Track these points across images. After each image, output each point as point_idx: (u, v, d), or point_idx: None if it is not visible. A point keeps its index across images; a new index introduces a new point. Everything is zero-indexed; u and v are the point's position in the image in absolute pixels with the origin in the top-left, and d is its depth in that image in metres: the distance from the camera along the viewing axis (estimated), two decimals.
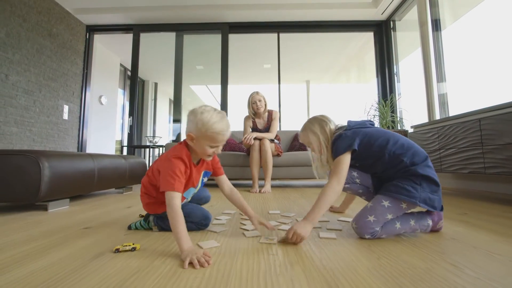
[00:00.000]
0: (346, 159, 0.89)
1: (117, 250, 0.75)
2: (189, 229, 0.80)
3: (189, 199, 0.98)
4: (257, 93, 2.48)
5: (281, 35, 3.88)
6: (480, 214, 1.26)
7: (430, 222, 0.89)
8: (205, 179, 0.99)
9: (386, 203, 0.85)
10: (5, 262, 0.68)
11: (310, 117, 1.07)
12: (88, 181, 1.58)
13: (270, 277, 0.59)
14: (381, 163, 0.90)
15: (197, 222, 0.94)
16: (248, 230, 0.97)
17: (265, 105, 2.49)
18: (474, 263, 0.66)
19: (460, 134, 1.79)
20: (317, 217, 0.84)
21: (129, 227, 1.01)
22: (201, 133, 0.81)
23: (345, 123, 1.00)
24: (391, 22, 3.67)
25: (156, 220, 0.96)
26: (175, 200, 0.76)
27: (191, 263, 0.65)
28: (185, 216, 0.76)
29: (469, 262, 0.67)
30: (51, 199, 1.37)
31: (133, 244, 0.78)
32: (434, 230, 0.93)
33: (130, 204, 1.63)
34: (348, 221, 1.11)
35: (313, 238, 0.89)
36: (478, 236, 0.90)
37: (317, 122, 1.01)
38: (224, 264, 0.66)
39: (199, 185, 0.97)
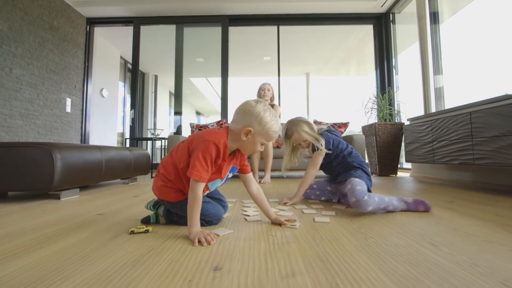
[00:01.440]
0: (321, 156, 1.29)
1: (132, 232, 0.83)
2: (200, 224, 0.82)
3: (212, 190, 0.94)
4: (268, 83, 2.66)
5: (281, 27, 3.89)
6: (466, 202, 1.35)
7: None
8: (230, 175, 0.95)
9: (357, 179, 1.16)
10: (33, 243, 0.76)
11: (294, 118, 1.35)
12: (97, 171, 1.65)
13: (269, 252, 0.68)
14: (337, 160, 1.31)
15: (209, 221, 0.93)
16: (249, 216, 1.06)
17: (271, 97, 2.63)
18: (450, 242, 0.75)
19: (452, 127, 1.87)
20: (301, 193, 1.33)
21: (146, 221, 0.96)
22: (262, 130, 0.83)
23: (324, 126, 1.39)
24: (391, 15, 3.68)
25: (166, 212, 0.95)
26: (199, 187, 0.79)
27: (199, 242, 0.73)
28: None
29: (446, 241, 0.76)
30: (63, 189, 1.45)
31: (146, 226, 0.86)
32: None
33: (137, 193, 1.71)
34: (342, 208, 1.21)
35: (309, 222, 0.98)
36: (460, 220, 0.99)
37: (306, 124, 1.31)
38: (229, 243, 0.75)
39: (225, 179, 0.94)
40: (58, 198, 1.47)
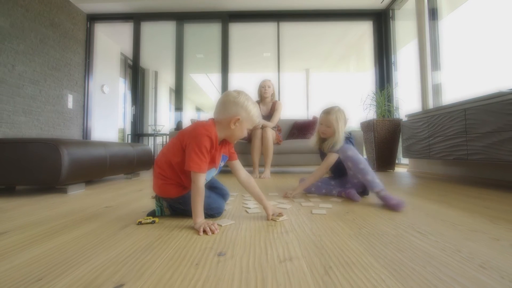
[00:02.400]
0: (334, 158, 1.34)
1: (140, 223, 0.89)
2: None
3: (208, 179, 0.99)
4: (268, 80, 2.68)
5: (281, 24, 3.91)
6: (457, 195, 1.40)
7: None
8: (222, 163, 1.00)
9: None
10: (48, 232, 0.81)
11: (340, 107, 1.39)
12: (102, 167, 1.70)
13: (269, 241, 0.73)
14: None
15: (211, 214, 0.97)
16: (250, 208, 1.11)
17: (272, 94, 2.66)
18: (437, 231, 0.80)
19: (448, 123, 1.91)
20: (304, 186, 1.40)
21: (152, 215, 0.99)
22: (247, 116, 0.92)
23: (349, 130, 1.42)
24: (390, 11, 3.70)
25: (169, 205, 0.99)
26: (201, 179, 0.85)
27: (204, 232, 0.78)
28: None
29: (434, 230, 0.81)
30: (70, 183, 1.50)
31: (152, 218, 0.92)
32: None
33: (141, 188, 1.77)
34: (339, 201, 1.26)
35: (306, 213, 1.03)
36: (449, 212, 1.04)
37: (343, 117, 1.36)
38: (231, 233, 0.80)
39: (218, 168, 0.99)
40: (65, 192, 1.52)
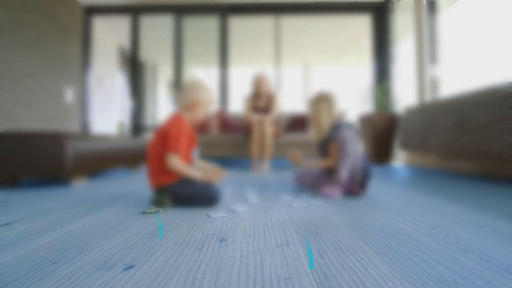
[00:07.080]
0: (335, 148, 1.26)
1: (144, 212, 0.93)
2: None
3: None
4: (263, 73, 2.68)
5: (280, 16, 3.89)
6: (449, 187, 1.45)
7: None
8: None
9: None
10: (57, 220, 0.85)
11: (324, 94, 1.35)
12: (104, 160, 1.74)
13: (267, 228, 0.77)
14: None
15: (209, 196, 1.03)
16: (249, 199, 1.16)
17: (268, 87, 2.67)
18: (427, 219, 0.85)
19: (443, 117, 1.95)
20: (307, 165, 1.44)
21: (157, 205, 1.03)
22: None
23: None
24: (390, 4, 3.68)
25: (171, 195, 1.03)
26: (177, 160, 1.01)
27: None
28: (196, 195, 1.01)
29: (423, 218, 0.86)
30: (73, 175, 1.54)
31: (156, 208, 0.96)
32: None
33: (142, 180, 1.80)
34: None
35: (303, 204, 1.08)
36: (438, 202, 1.09)
37: (325, 104, 1.32)
38: (231, 221, 0.84)
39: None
40: (69, 184, 1.56)
